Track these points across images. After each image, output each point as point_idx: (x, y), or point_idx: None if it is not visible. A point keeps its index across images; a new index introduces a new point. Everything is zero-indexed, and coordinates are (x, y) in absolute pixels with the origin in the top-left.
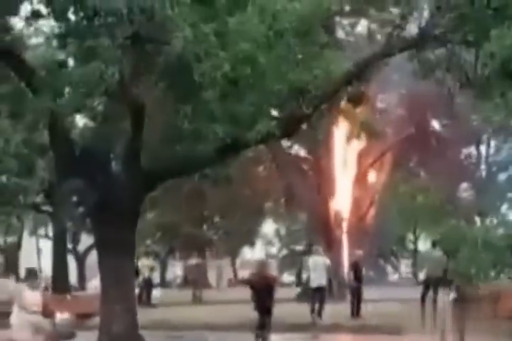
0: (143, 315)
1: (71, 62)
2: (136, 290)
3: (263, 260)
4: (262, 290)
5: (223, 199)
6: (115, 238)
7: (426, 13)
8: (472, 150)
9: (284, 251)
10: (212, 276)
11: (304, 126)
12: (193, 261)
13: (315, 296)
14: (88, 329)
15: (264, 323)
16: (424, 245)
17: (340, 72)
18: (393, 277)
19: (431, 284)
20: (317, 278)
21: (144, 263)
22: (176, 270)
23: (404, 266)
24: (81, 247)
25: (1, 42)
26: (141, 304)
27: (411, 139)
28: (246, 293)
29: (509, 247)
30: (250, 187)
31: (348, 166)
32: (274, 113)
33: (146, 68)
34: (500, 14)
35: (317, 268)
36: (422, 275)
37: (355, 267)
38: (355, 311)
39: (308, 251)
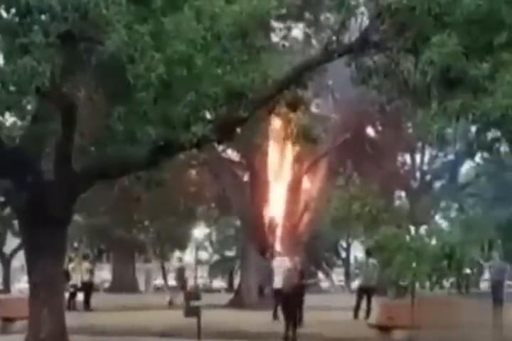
0: (81, 319)
1: (1, 59)
2: (66, 294)
3: (291, 268)
4: (291, 299)
5: (155, 202)
6: (44, 240)
7: (365, 19)
8: (407, 158)
9: (216, 257)
10: (140, 280)
11: (240, 130)
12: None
13: (278, 298)
14: (14, 333)
15: (291, 335)
16: (358, 253)
17: (278, 76)
18: (326, 285)
19: (364, 293)
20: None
21: (83, 266)
22: (103, 273)
23: (337, 274)
24: (7, 249)
25: None
26: (77, 309)
27: (346, 145)
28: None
29: (445, 257)
30: (183, 191)
31: (282, 171)
32: (210, 116)
33: (79, 67)
34: (440, 21)
35: (279, 270)
36: (355, 284)
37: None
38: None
39: (240, 257)
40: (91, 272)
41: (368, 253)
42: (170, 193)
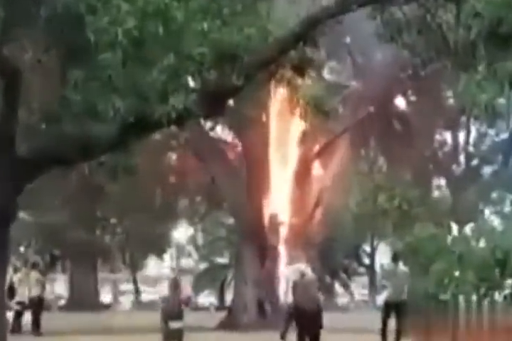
0: None
1: None
2: (10, 314)
3: (312, 278)
4: (309, 316)
5: (124, 195)
6: None
7: None
8: (447, 136)
9: (203, 265)
10: (106, 295)
11: (233, 102)
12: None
13: (293, 317)
14: None
15: None
16: (386, 259)
17: (281, 33)
18: (344, 300)
19: (393, 310)
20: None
21: (31, 277)
22: (58, 287)
23: (358, 285)
24: None
25: None
26: (24, 331)
27: (370, 121)
28: (152, 318)
29: (497, 263)
30: (159, 180)
31: (288, 155)
32: (193, 84)
33: (25, 21)
34: None
35: (300, 281)
36: (382, 299)
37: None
38: None
39: (233, 265)
40: (42, 285)
41: (396, 258)
42: (143, 183)
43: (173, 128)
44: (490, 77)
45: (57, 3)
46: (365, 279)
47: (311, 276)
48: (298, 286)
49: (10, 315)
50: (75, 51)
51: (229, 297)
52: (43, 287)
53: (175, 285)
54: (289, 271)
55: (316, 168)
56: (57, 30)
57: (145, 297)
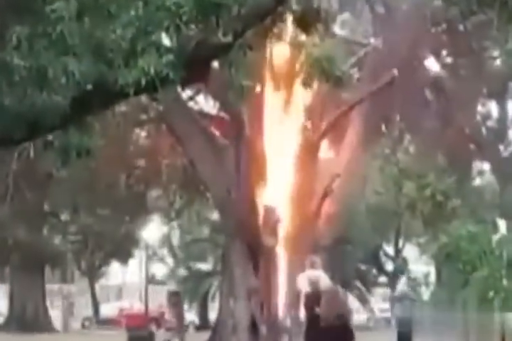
0: None
1: None
2: None
3: (333, 288)
4: (333, 335)
5: (78, 185)
6: None
7: None
8: (493, 108)
9: (180, 272)
10: (56, 312)
11: (218, 65)
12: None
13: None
14: None
15: None
16: (414, 264)
17: None
18: (361, 316)
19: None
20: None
21: None
22: None
23: (379, 297)
24: None
25: None
26: None
27: (392, 89)
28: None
29: None
30: (125, 166)
31: (288, 133)
32: (169, 42)
33: None
34: None
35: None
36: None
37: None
38: None
39: (219, 272)
40: None
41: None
42: (103, 168)
43: (143, 98)
44: None
45: None
46: (387, 290)
47: (330, 285)
48: (311, 299)
49: None
50: (17, 1)
51: (213, 314)
52: None
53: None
54: (300, 280)
55: (324, 150)
56: None
57: (105, 313)
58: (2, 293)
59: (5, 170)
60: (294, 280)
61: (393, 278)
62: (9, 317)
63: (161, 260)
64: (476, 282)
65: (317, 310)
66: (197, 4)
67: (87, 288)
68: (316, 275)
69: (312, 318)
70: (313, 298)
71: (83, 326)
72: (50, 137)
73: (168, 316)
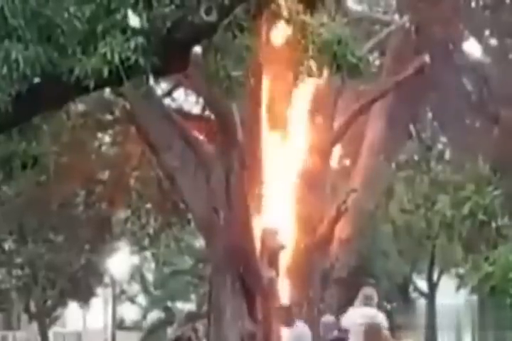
0: None
1: None
2: None
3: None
4: None
5: (25, 205)
6: None
7: None
8: None
9: (155, 314)
10: None
11: (202, 51)
12: None
13: None
14: None
15: None
16: (452, 298)
17: None
18: None
19: None
20: None
21: None
22: None
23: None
24: None
25: None
26: None
27: (423, 80)
28: None
29: None
30: (84, 179)
31: (291, 136)
32: (137, 22)
33: None
34: None
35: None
36: None
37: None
38: None
39: (205, 314)
40: None
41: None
42: (57, 183)
43: (106, 93)
44: None
45: None
46: (420, 333)
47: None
48: None
49: None
50: None
51: None
52: None
53: None
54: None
55: (338, 157)
56: None
57: None
58: None
59: None
60: (303, 324)
61: (429, 316)
62: None
63: (132, 299)
64: None
65: None
66: None
67: (37, 336)
68: (373, 316)
69: None
70: None
71: None
72: None
73: None
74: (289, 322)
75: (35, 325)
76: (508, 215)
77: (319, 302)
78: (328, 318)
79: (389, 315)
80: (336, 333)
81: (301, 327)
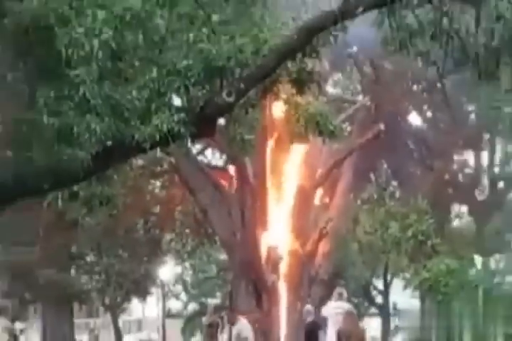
0: None
1: None
2: None
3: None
4: None
5: (101, 230)
6: None
7: None
8: (469, 157)
9: (193, 307)
10: None
11: (224, 121)
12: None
13: None
14: None
15: None
16: (401, 296)
17: (277, 42)
18: None
19: None
20: None
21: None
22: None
23: (370, 327)
24: None
25: None
26: None
27: (380, 141)
28: None
29: None
30: (142, 213)
31: (287, 181)
32: (179, 101)
33: None
34: None
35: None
36: None
37: (315, 331)
38: None
39: (227, 307)
40: (10, 334)
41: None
42: (123, 215)
43: (157, 152)
44: None
45: (24, 13)
46: (377, 320)
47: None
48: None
49: None
50: (44, 67)
51: None
52: (12, 336)
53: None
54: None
55: (320, 196)
56: (24, 44)
57: None
58: (35, 328)
59: (37, 217)
60: (294, 312)
61: (383, 309)
62: None
63: (176, 296)
64: (456, 311)
65: None
66: (204, 67)
67: (111, 322)
68: (344, 307)
69: None
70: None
71: None
72: (76, 188)
73: None
74: (232, 321)
75: (108, 315)
76: (439, 237)
77: (307, 298)
78: (308, 307)
79: (355, 306)
80: (313, 317)
81: (244, 323)
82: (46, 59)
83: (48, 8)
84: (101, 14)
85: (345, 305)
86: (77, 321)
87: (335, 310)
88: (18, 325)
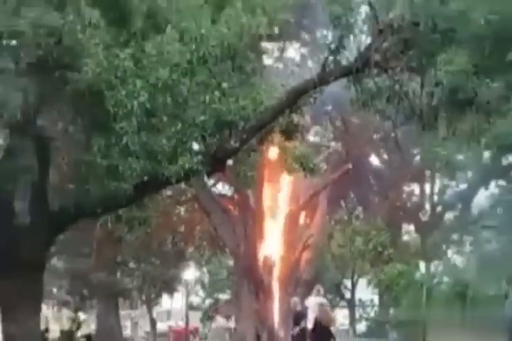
0: None
1: None
2: None
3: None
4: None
5: (140, 243)
6: (18, 288)
7: (365, 37)
8: (415, 188)
9: (208, 301)
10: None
11: (231, 162)
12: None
13: None
14: None
15: None
16: (364, 293)
17: (271, 102)
18: None
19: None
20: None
21: (63, 314)
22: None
23: (340, 316)
24: None
25: None
26: None
27: (348, 176)
28: None
29: (458, 296)
30: (170, 230)
31: (278, 206)
32: (197, 147)
33: (54, 97)
34: (447, 38)
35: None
36: (361, 327)
37: (300, 318)
38: None
39: (234, 300)
40: (72, 321)
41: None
42: (156, 232)
43: (181, 184)
44: (450, 136)
45: (81, 81)
46: (346, 311)
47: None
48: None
49: None
50: (97, 121)
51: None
52: (74, 322)
53: None
54: (310, 302)
55: (303, 217)
56: (81, 104)
57: (160, 328)
58: (92, 317)
59: (91, 235)
60: (284, 304)
61: (350, 303)
62: (97, 333)
63: (196, 293)
64: (404, 304)
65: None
66: (216, 122)
67: (147, 313)
68: (322, 300)
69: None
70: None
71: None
72: (120, 212)
73: None
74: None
75: (145, 307)
76: (393, 248)
77: (294, 294)
78: (295, 299)
79: (329, 300)
80: (299, 307)
81: None
82: (98, 115)
83: (100, 77)
84: (139, 82)
85: (322, 299)
86: (122, 312)
87: (314, 302)
88: (82, 316)
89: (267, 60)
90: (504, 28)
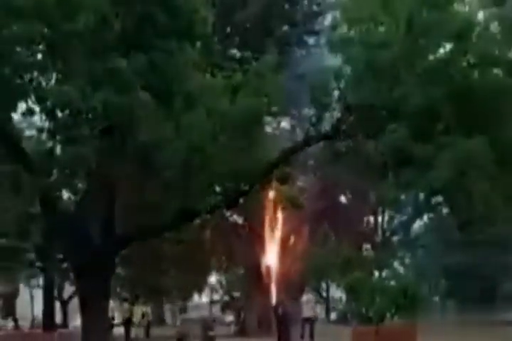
0: None
1: (59, 149)
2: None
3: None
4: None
5: (179, 256)
6: (94, 287)
7: (336, 112)
8: (371, 219)
9: (226, 297)
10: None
11: (242, 200)
12: None
13: None
14: None
15: None
16: (335, 293)
17: (270, 158)
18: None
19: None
20: None
21: (123, 306)
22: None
23: (319, 308)
24: (65, 294)
25: (3, 129)
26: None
27: (324, 210)
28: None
29: (400, 291)
30: (199, 247)
31: (275, 231)
32: (219, 189)
33: (118, 154)
34: (393, 114)
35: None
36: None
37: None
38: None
39: (244, 297)
40: (130, 311)
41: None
42: (190, 249)
43: (207, 215)
44: (395, 183)
45: (137, 143)
46: (323, 306)
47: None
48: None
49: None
50: (148, 171)
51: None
52: (132, 313)
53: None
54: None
55: (293, 239)
56: (137, 159)
57: (190, 315)
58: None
59: (144, 249)
60: (281, 301)
61: (326, 299)
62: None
63: (217, 292)
64: (363, 301)
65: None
66: (232, 172)
67: (182, 306)
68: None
69: None
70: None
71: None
72: (165, 235)
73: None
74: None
75: (180, 302)
76: (356, 261)
77: (288, 294)
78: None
79: (312, 297)
80: (293, 303)
81: None
82: (150, 167)
83: (150, 140)
84: (177, 143)
85: (309, 297)
86: (165, 306)
87: (305, 298)
88: (143, 308)
89: (268, 129)
90: (431, 107)
